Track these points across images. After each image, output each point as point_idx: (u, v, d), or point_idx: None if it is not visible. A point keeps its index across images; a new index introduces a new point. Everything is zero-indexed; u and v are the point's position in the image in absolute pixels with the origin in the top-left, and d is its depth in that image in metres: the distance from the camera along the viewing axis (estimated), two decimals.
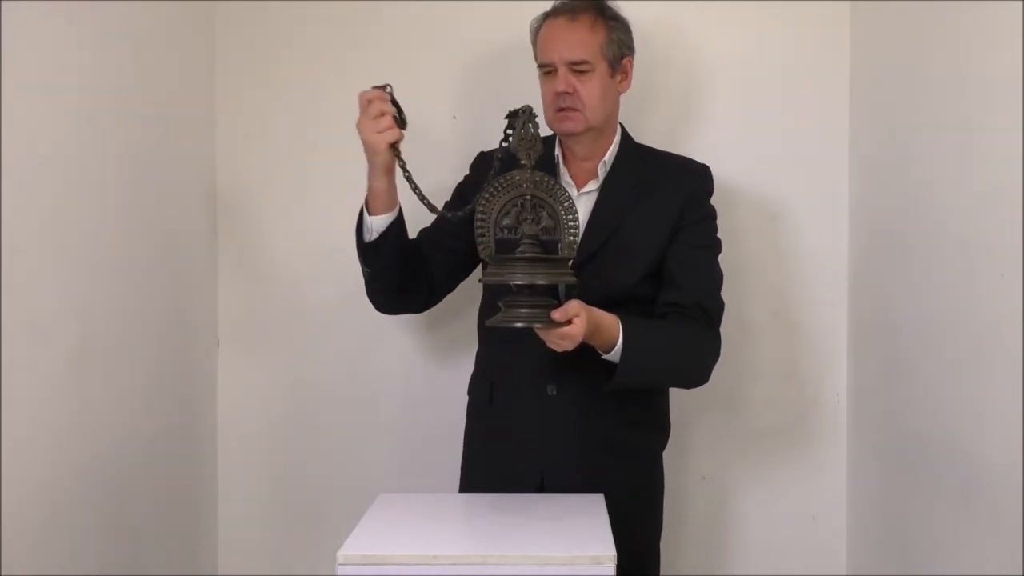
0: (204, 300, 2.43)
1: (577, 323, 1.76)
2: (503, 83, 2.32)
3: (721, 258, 2.06)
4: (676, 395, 2.38)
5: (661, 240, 2.00)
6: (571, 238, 1.80)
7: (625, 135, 2.10)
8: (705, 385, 2.42)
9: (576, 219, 1.80)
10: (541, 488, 1.98)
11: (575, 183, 2.05)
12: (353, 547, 1.52)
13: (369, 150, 1.86)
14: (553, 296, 1.86)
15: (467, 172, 2.15)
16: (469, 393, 2.15)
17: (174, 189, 2.25)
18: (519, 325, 1.76)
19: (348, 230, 2.47)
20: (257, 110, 2.45)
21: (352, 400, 2.47)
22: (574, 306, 1.78)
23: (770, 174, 2.42)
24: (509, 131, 1.79)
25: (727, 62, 2.42)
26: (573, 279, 1.81)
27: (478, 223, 1.79)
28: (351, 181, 2.45)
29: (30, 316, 1.67)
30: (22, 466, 1.64)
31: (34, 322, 1.68)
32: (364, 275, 2.01)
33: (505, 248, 1.79)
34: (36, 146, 1.70)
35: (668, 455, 2.30)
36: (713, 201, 2.08)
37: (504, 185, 1.78)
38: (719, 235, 2.08)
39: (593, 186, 2.03)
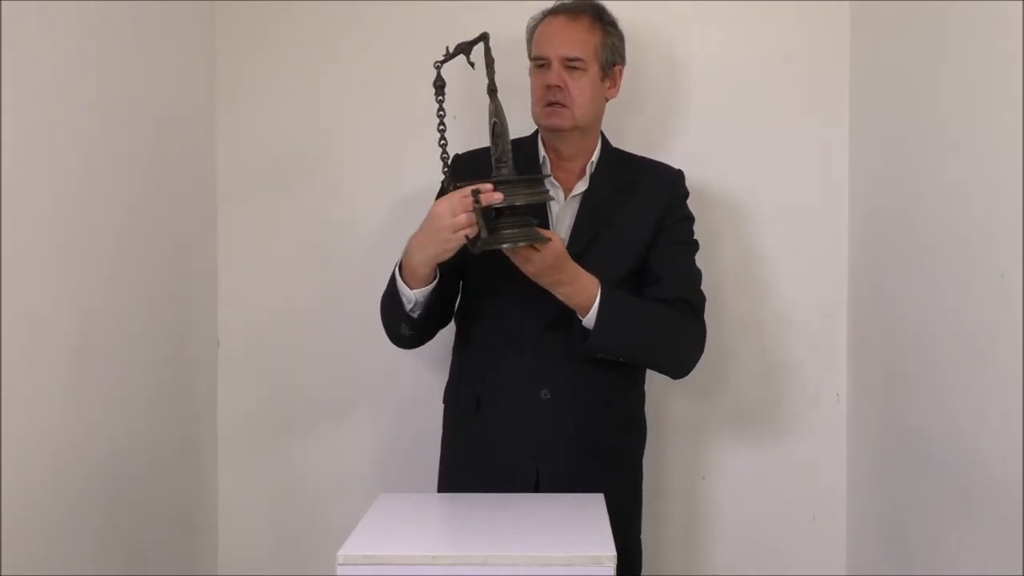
0: (204, 300, 2.43)
1: (556, 240, 1.84)
2: (503, 83, 2.31)
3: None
4: (677, 395, 2.38)
5: (645, 239, 2.03)
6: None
7: (604, 140, 2.12)
8: (705, 386, 2.42)
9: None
10: (536, 490, 1.99)
11: (562, 187, 2.06)
12: (353, 547, 1.52)
13: (439, 246, 1.83)
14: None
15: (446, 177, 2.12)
16: (445, 402, 2.15)
17: (174, 189, 2.25)
18: (506, 246, 1.82)
19: (346, 231, 2.47)
20: (257, 110, 2.45)
21: (352, 400, 2.47)
22: (550, 231, 1.87)
23: (771, 174, 2.42)
24: (449, 48, 1.87)
25: (728, 62, 2.41)
26: (549, 197, 1.90)
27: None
28: (350, 182, 2.46)
29: (30, 316, 1.67)
30: (22, 466, 1.64)
31: (34, 322, 1.68)
32: (402, 333, 2.00)
33: None
34: (36, 146, 1.70)
35: (669, 455, 2.30)
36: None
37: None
38: (696, 237, 2.11)
39: (581, 187, 2.05)
